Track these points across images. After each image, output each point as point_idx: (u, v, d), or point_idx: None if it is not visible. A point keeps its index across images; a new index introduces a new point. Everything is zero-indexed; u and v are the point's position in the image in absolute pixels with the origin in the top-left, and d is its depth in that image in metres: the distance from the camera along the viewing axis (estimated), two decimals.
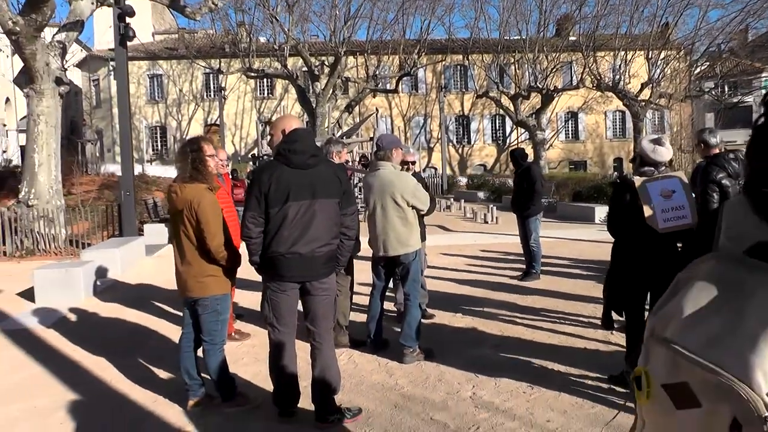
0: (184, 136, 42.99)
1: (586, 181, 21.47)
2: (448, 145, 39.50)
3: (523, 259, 9.21)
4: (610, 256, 4.58)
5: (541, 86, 31.51)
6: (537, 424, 3.97)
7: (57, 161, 14.38)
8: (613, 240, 4.56)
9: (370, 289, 5.62)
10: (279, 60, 30.32)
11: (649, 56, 29.38)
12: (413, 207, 5.20)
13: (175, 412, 4.29)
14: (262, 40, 34.40)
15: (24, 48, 13.18)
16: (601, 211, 16.63)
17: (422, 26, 32.82)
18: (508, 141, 43.45)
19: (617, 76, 29.67)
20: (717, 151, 5.58)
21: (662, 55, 29.76)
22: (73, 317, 7.45)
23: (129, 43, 14.05)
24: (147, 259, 11.81)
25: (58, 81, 14.30)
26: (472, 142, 44.34)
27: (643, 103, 29.71)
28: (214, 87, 42.54)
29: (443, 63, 39.37)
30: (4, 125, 46.70)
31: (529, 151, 37.44)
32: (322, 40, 33.64)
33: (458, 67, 42.33)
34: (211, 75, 41.32)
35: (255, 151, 21.12)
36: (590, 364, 5.04)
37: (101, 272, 9.22)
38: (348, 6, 29.86)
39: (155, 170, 33.37)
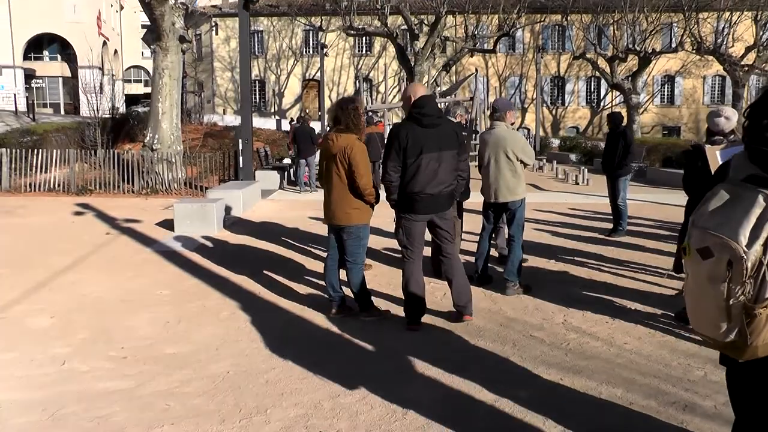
0: (282, 90, 44.59)
1: (678, 147, 21.36)
2: (542, 106, 39.43)
3: (611, 218, 9.83)
4: (684, 213, 5.31)
5: (639, 48, 30.96)
6: (616, 345, 4.77)
7: (178, 111, 15.81)
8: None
9: (480, 231, 6.48)
10: (379, 18, 30.99)
11: (758, 17, 28.35)
12: (521, 161, 6.02)
13: (321, 319, 5.33)
14: None
15: (155, 9, 14.52)
16: None
17: None
18: (602, 104, 42.87)
19: (719, 39, 28.83)
20: None
21: None
22: (211, 244, 8.69)
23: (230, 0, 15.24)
24: (263, 201, 13.07)
25: (182, 39, 15.59)
26: (566, 104, 43.96)
27: (747, 68, 28.82)
28: (313, 43, 43.69)
29: (541, 23, 39.05)
30: (114, 75, 49.56)
31: (623, 114, 36.88)
32: None
33: (556, 27, 41.86)
34: (310, 32, 42.42)
35: (370, 105, 21.94)
36: (664, 305, 5.77)
37: (228, 210, 10.44)
38: None
39: (255, 122, 34.88)
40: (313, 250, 8.32)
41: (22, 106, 39.67)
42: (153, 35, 15.24)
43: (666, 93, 43.17)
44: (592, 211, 12.19)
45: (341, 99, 5.46)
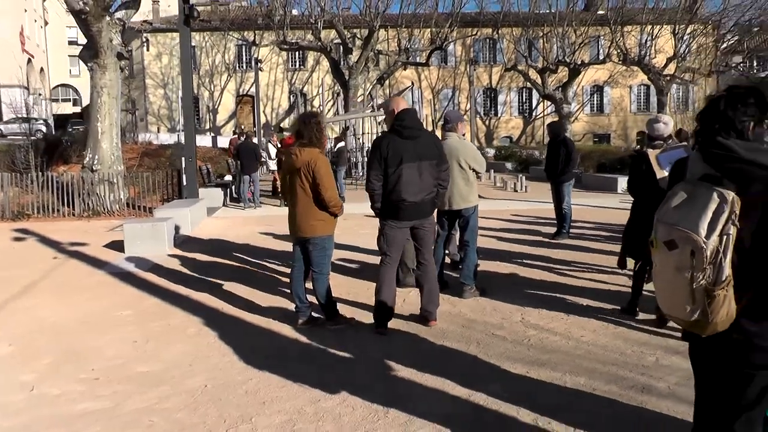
0: (216, 107, 44.13)
1: (609, 153, 22.31)
2: (475, 117, 40.27)
3: (554, 222, 10.24)
4: (630, 212, 5.73)
5: (568, 60, 32.10)
6: (573, 338, 5.06)
7: (117, 130, 15.56)
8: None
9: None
10: (313, 32, 31.16)
11: (676, 31, 29.88)
12: (473, 169, 6.27)
13: (288, 329, 5.43)
14: (295, 12, 35.18)
15: (91, 26, 14.28)
16: (623, 182, 17.55)
17: (454, 1, 33.22)
18: (534, 114, 44.10)
19: (643, 51, 30.21)
20: None
21: (689, 30, 30.23)
22: (165, 263, 8.64)
23: (161, 15, 15.17)
24: (209, 219, 13.02)
25: (119, 56, 15.38)
26: (499, 115, 45.06)
27: (668, 78, 30.26)
28: (246, 58, 43.55)
29: (473, 37, 39.96)
30: (40, 95, 48.13)
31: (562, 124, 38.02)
32: (354, 13, 34.28)
33: (487, 40, 42.85)
34: (243, 47, 42.27)
35: (285, 123, 22.14)
36: (612, 300, 6.14)
37: (177, 228, 10.38)
38: None
39: None
40: (268, 264, 8.40)
41: None
42: (90, 52, 14.98)
43: (595, 102, 44.81)
44: (533, 216, 12.64)
45: (303, 114, 5.61)
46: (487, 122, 45.38)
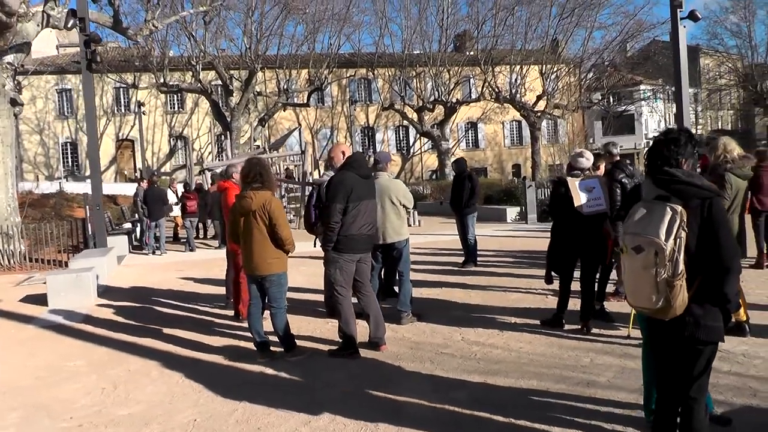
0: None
1: (494, 186, 23.74)
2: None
3: (457, 252, 11.07)
4: (550, 233, 6.61)
5: (444, 99, 33.91)
6: (514, 350, 5.77)
7: (13, 179, 15.09)
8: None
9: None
10: (194, 74, 31.14)
11: (543, 71, 32.44)
12: (404, 206, 6.91)
13: (250, 364, 5.76)
14: (173, 53, 34.91)
15: None
16: (512, 212, 18.91)
17: (331, 43, 34.31)
18: (411, 150, 45.78)
19: (514, 89, 32.53)
20: (618, 158, 7.56)
21: (554, 69, 32.91)
22: (96, 313, 8.62)
23: (34, 56, 14.88)
24: (120, 267, 12.89)
25: (13, 102, 14.99)
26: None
27: (539, 114, 32.70)
28: (124, 101, 42.57)
29: (349, 78, 41.16)
30: None
31: (434, 160, 39.59)
32: (233, 54, 34.52)
33: (362, 80, 44.25)
34: (121, 89, 41.28)
35: (204, 164, 21.99)
36: (534, 315, 6.93)
37: (97, 278, 10.29)
38: (261, 22, 31.01)
39: (72, 187, 33.01)
40: (199, 307, 8.58)
41: None
42: None
43: (470, 138, 47.28)
44: (434, 248, 13.45)
45: (253, 158, 6.02)
46: (367, 160, 46.46)
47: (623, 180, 7.12)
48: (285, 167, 25.19)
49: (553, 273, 6.63)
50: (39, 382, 5.82)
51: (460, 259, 10.97)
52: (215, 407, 4.75)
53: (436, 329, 6.64)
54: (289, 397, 4.82)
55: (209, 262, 13.06)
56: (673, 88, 13.74)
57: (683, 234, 2.88)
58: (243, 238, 5.76)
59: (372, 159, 7.56)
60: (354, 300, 5.96)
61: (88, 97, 13.36)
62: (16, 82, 15.71)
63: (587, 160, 6.45)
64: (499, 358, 5.54)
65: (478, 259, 10.85)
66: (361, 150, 39.20)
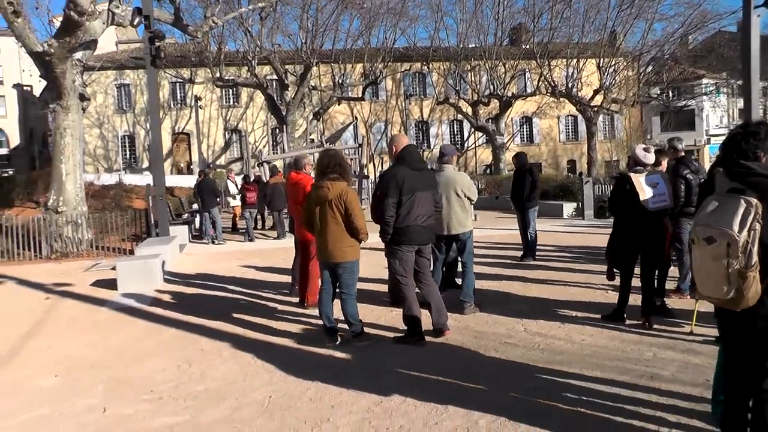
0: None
1: (549, 181, 23.53)
2: None
3: (513, 245, 11.09)
4: (612, 230, 6.57)
5: (500, 93, 33.68)
6: (576, 342, 5.80)
7: (81, 171, 15.69)
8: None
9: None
10: (249, 69, 31.64)
11: (600, 64, 31.90)
12: (468, 198, 7.00)
13: (319, 348, 5.94)
14: (229, 48, 35.51)
15: (55, 67, 14.48)
16: (568, 207, 18.76)
17: (386, 37, 34.43)
18: (465, 145, 45.63)
19: (570, 83, 32.09)
20: (682, 154, 7.48)
21: (612, 63, 32.31)
22: (164, 297, 8.98)
23: (98, 52, 15.49)
24: (182, 255, 13.30)
25: (81, 97, 15.58)
26: (432, 147, 46.40)
27: (596, 109, 32.20)
28: (180, 96, 43.57)
29: (404, 72, 41.22)
30: None
31: (488, 154, 39.34)
32: (289, 49, 34.93)
33: (417, 74, 44.28)
34: (177, 84, 42.27)
35: (262, 157, 22.32)
36: (595, 310, 6.93)
37: (163, 265, 10.68)
38: (317, 17, 31.27)
39: (130, 178, 34.08)
40: (264, 294, 8.82)
41: None
42: (52, 94, 15.13)
43: (525, 132, 46.87)
44: (491, 242, 13.44)
45: (329, 150, 6.23)
46: (421, 155, 46.55)
47: (687, 176, 7.07)
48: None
49: (614, 269, 6.63)
50: (118, 360, 6.13)
51: (518, 253, 11.00)
52: (288, 386, 4.94)
53: (499, 320, 6.71)
54: (359, 380, 4.98)
55: (269, 251, 13.37)
56: (740, 82, 13.39)
57: (758, 226, 2.90)
58: (318, 227, 5.94)
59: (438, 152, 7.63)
60: (417, 290, 6.09)
61: (152, 91, 13.78)
62: (83, 78, 16.30)
63: (653, 156, 6.41)
64: (561, 350, 5.60)
65: (537, 253, 10.85)
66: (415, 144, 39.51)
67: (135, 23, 15.92)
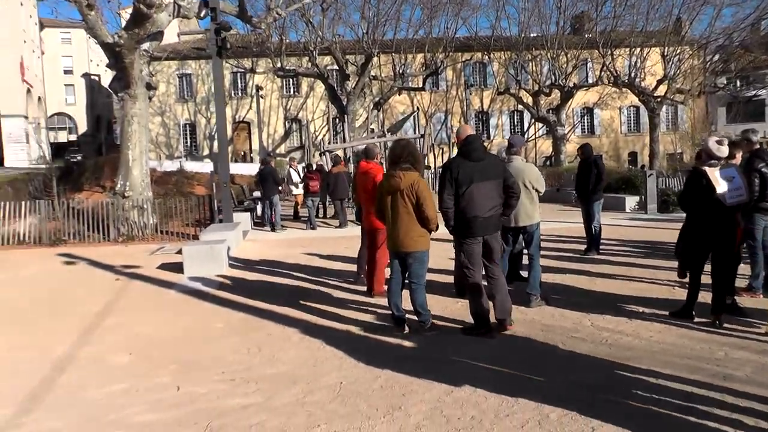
0: (212, 133, 44.62)
1: (611, 173, 23.03)
2: None
3: (575, 239, 10.93)
4: (683, 226, 6.46)
5: (561, 83, 33.14)
6: (644, 338, 5.72)
7: (147, 157, 16.16)
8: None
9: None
10: (310, 59, 31.90)
11: (665, 53, 31.02)
12: (536, 189, 6.94)
13: (388, 336, 6.01)
14: (290, 39, 35.85)
15: (124, 58, 14.95)
16: (631, 201, 18.38)
17: (447, 27, 34.21)
18: (526, 136, 45.11)
19: (633, 73, 31.30)
20: (757, 146, 7.25)
21: (677, 51, 31.35)
22: (230, 282, 9.20)
23: (162, 43, 15.95)
24: (245, 242, 13.57)
25: (148, 86, 16.03)
26: (492, 138, 46.00)
27: (659, 99, 31.36)
28: (241, 85, 44.27)
29: (464, 62, 40.94)
30: (39, 124, 48.51)
31: (547, 145, 38.84)
32: (350, 39, 35.10)
33: (477, 64, 43.91)
34: (238, 74, 42.95)
35: (324, 146, 22.49)
36: (661, 306, 6.81)
37: (227, 250, 10.92)
38: (378, 7, 31.29)
39: (191, 166, 34.85)
40: (327, 281, 8.95)
41: None
42: (121, 83, 15.61)
43: (586, 124, 46.03)
44: (553, 235, 13.28)
45: (401, 140, 6.27)
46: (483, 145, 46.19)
47: (763, 169, 6.85)
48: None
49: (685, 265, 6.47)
50: (188, 340, 6.33)
51: (581, 247, 10.87)
52: (359, 373, 5.02)
53: (565, 313, 6.66)
54: (429, 369, 5.02)
55: (332, 240, 13.53)
56: None
57: None
58: (389, 216, 5.99)
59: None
60: (485, 282, 6.07)
61: (218, 81, 14.07)
62: (150, 68, 16.74)
63: (726, 149, 6.21)
64: (629, 345, 5.53)
65: (600, 247, 10.69)
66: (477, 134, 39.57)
67: (202, 15, 16.25)
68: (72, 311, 7.85)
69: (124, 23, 17.82)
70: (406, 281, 6.13)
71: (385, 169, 7.27)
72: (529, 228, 7.01)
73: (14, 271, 11.20)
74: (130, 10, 16.29)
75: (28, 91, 48.31)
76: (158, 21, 16.40)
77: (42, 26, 57.09)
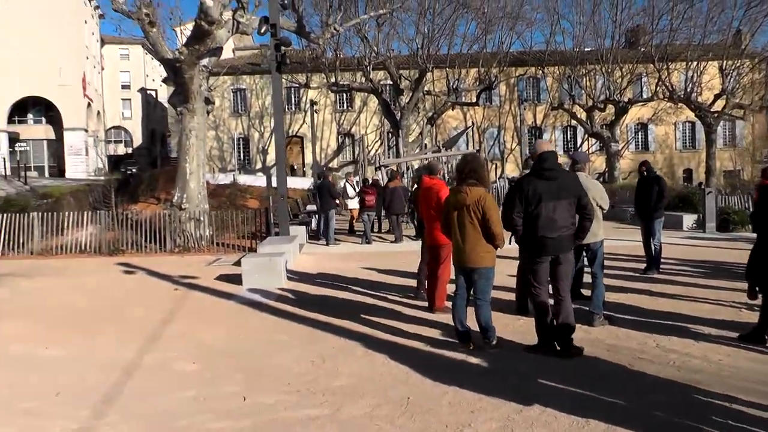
0: (266, 147, 45.34)
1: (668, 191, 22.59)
2: (522, 156, 40.91)
3: (634, 257, 10.72)
4: (755, 246, 6.26)
5: (616, 98, 32.67)
6: (713, 361, 5.59)
7: (204, 170, 16.53)
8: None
9: None
10: (364, 74, 32.17)
11: (723, 67, 30.28)
12: (600, 206, 6.87)
13: (451, 352, 6.01)
14: (345, 54, 36.18)
15: (185, 73, 15.35)
16: (689, 219, 17.95)
17: (501, 42, 34.07)
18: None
19: (690, 88, 30.63)
20: None
21: (736, 65, 30.55)
22: (289, 294, 9.32)
23: (218, 59, 16.40)
24: (301, 255, 13.73)
25: (206, 101, 16.42)
26: None
27: (716, 114, 30.61)
28: (294, 100, 44.89)
29: (518, 76, 40.75)
30: (98, 137, 50.09)
31: (600, 162, 38.26)
32: (404, 54, 35.21)
33: (530, 79, 43.59)
34: (291, 88, 43.56)
35: (380, 161, 22.51)
36: (729, 327, 6.67)
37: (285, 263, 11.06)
38: (434, 21, 31.35)
39: (244, 179, 35.37)
40: (389, 296, 8.93)
41: (6, 170, 39.94)
42: (180, 98, 16.03)
43: (640, 140, 45.25)
44: (611, 254, 12.95)
45: (467, 155, 6.29)
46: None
47: None
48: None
49: (756, 288, 6.28)
50: (251, 351, 6.46)
51: (639, 265, 10.66)
52: (426, 388, 5.04)
53: (630, 334, 6.56)
54: (496, 386, 5.00)
55: (388, 254, 13.58)
56: None
57: None
58: (455, 232, 5.99)
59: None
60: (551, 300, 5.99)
61: (277, 96, 14.34)
62: (208, 83, 17.16)
63: None
64: (698, 368, 5.41)
65: (660, 266, 10.47)
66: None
67: (262, 31, 16.55)
68: (134, 319, 8.09)
69: (179, 40, 18.30)
70: (470, 297, 6.12)
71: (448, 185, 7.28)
72: (592, 246, 6.94)
73: (76, 279, 11.57)
74: (187, 27, 16.78)
75: (89, 105, 50.03)
76: (218, 37, 16.81)
77: (103, 42, 59.19)
